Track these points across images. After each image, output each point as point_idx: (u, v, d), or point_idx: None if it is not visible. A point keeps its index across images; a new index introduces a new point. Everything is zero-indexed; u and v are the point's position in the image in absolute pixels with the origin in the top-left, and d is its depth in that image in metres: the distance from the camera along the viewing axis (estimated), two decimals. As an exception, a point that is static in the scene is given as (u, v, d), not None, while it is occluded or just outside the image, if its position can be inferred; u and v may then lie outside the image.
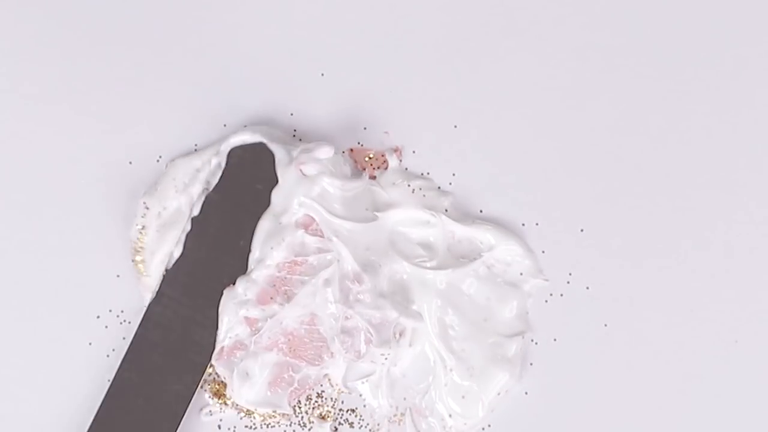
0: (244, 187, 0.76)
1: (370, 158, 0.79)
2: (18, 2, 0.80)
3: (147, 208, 0.78)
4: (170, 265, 0.76)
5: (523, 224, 0.78)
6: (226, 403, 0.78)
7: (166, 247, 0.77)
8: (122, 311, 0.78)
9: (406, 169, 0.79)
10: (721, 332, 0.78)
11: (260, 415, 0.77)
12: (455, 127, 0.79)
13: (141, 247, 0.78)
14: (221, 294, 0.75)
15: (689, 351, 0.77)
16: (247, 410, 0.77)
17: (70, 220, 0.79)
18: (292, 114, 0.79)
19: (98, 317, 0.78)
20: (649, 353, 0.77)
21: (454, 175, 0.79)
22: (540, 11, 0.79)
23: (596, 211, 0.78)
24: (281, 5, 0.80)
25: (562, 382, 0.78)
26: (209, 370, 0.77)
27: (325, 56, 0.79)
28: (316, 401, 0.78)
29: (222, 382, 0.78)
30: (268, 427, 0.78)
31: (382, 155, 0.79)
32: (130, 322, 0.78)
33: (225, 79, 0.79)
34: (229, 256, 0.75)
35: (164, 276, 0.76)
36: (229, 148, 0.76)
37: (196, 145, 0.79)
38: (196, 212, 0.76)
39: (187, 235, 0.76)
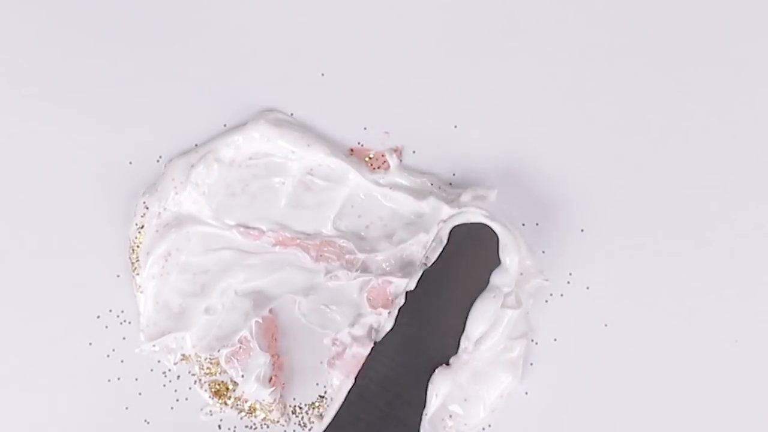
0: (463, 265, 0.74)
1: (370, 158, 0.79)
2: (18, 2, 0.80)
3: (147, 208, 0.78)
4: (379, 338, 0.74)
5: (524, 224, 0.78)
6: (226, 403, 0.78)
7: (163, 248, 0.77)
8: (122, 311, 0.78)
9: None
10: (721, 332, 0.78)
11: (261, 414, 0.78)
12: (455, 127, 0.79)
13: (137, 246, 0.78)
14: (430, 372, 0.73)
15: (689, 351, 0.77)
16: (248, 410, 0.77)
17: (70, 219, 0.78)
18: (292, 114, 0.79)
19: (98, 317, 0.78)
20: (648, 353, 0.77)
21: (454, 175, 0.79)
22: (540, 11, 0.79)
23: (596, 211, 0.79)
24: (281, 5, 0.80)
25: (562, 382, 0.78)
26: (211, 369, 0.77)
27: (325, 56, 0.79)
28: (316, 401, 0.78)
29: (222, 381, 0.78)
30: (267, 427, 0.78)
31: (382, 155, 0.79)
32: (130, 322, 0.78)
33: (225, 79, 0.79)
34: (441, 334, 0.74)
35: (373, 349, 0.74)
36: (451, 226, 0.75)
37: (196, 144, 0.79)
38: (411, 287, 0.74)
39: (400, 309, 0.74)
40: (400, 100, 0.79)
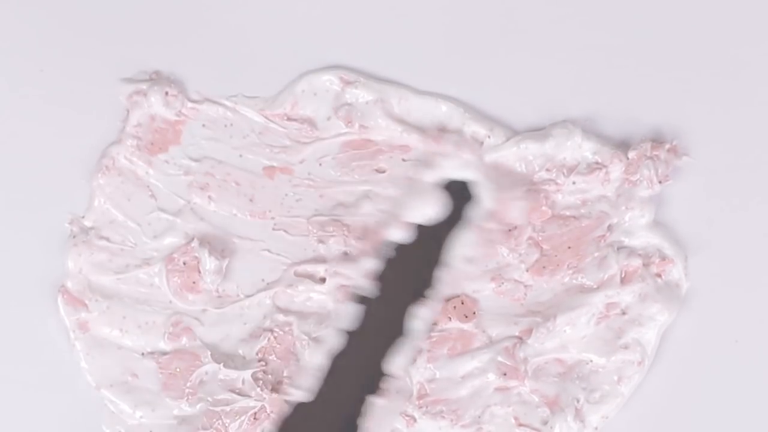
0: None
1: (370, 158, 0.80)
2: (18, 1, 0.80)
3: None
4: None
5: (523, 223, 0.79)
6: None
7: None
8: (122, 310, 0.79)
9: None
10: (721, 332, 0.77)
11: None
12: (455, 126, 0.79)
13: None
14: None
15: (689, 351, 0.77)
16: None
17: (66, 218, 0.79)
18: (291, 113, 0.80)
19: (97, 316, 0.78)
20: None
21: (454, 174, 0.79)
22: (540, 11, 0.79)
23: (596, 210, 0.79)
24: (282, 4, 0.80)
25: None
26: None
27: (326, 56, 0.79)
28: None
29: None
30: (267, 426, 0.78)
31: (383, 155, 0.80)
32: (129, 321, 0.78)
33: (225, 79, 0.79)
34: None
35: None
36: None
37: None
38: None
39: None
40: (400, 99, 0.79)
